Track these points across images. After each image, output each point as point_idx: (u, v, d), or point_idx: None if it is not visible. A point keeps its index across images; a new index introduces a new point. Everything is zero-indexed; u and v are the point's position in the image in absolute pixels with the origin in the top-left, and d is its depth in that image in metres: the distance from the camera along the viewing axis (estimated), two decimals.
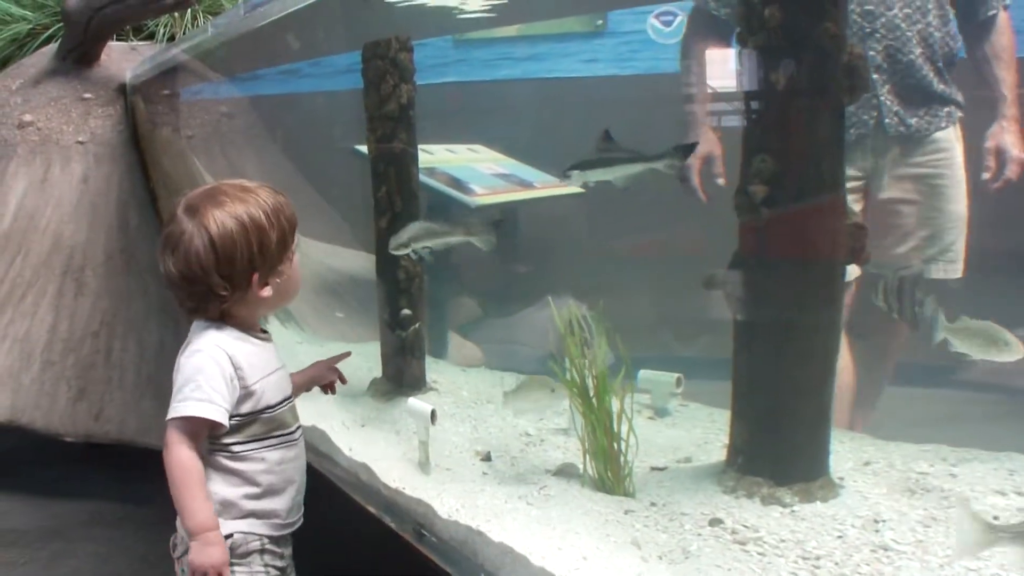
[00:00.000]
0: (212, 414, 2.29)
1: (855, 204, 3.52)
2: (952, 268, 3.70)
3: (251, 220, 2.32)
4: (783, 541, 2.38)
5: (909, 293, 3.09)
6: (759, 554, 2.34)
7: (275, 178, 5.83)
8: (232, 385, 2.34)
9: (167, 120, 6.18)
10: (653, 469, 3.04)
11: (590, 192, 3.21)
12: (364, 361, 4.19)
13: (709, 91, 3.91)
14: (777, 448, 2.69)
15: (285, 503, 2.47)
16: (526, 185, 5.20)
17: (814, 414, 2.68)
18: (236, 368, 2.36)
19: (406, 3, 4.51)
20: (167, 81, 6.02)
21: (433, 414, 3.16)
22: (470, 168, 5.30)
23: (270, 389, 2.43)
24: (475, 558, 2.63)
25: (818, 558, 2.28)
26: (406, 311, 4.01)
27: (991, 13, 3.66)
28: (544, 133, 4.86)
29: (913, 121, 3.67)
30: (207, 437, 2.36)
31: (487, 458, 3.29)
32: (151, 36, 7.17)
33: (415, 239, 3.74)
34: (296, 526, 2.54)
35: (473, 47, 5.64)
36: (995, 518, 2.37)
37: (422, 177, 4.15)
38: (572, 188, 3.32)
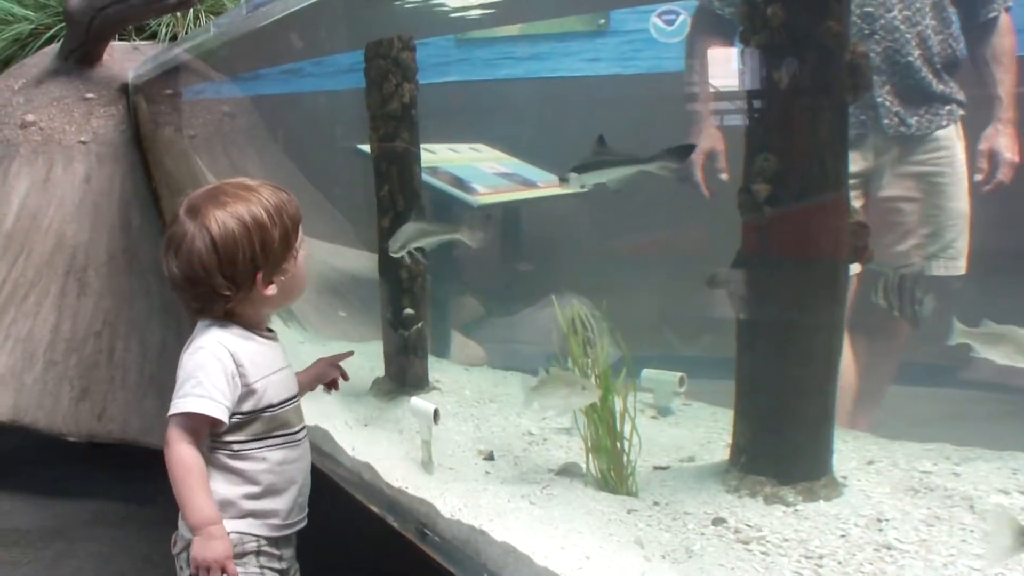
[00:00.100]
0: (212, 411, 2.29)
1: (855, 202, 3.53)
2: (953, 265, 3.71)
3: (253, 219, 2.32)
4: (786, 540, 2.38)
5: (910, 291, 3.08)
6: (762, 553, 2.34)
7: (277, 178, 5.82)
8: (233, 383, 2.34)
9: (169, 120, 6.18)
10: (656, 468, 3.03)
11: (592, 191, 3.21)
12: (367, 360, 4.19)
13: (713, 89, 3.92)
14: (780, 447, 2.69)
15: (285, 504, 2.46)
16: (529, 184, 5.20)
17: (817, 413, 2.68)
18: (238, 365, 2.36)
19: (410, 3, 4.51)
20: (169, 81, 6.02)
21: (436, 413, 3.16)
22: (472, 167, 5.30)
23: (272, 388, 2.43)
24: (478, 557, 2.62)
25: (821, 557, 2.28)
26: (409, 310, 4.01)
27: (991, 15, 3.67)
28: (546, 132, 4.86)
29: (913, 121, 3.68)
30: (208, 435, 2.36)
31: (490, 457, 3.29)
32: (153, 36, 7.19)
33: (411, 240, 3.76)
34: (298, 527, 2.53)
35: (475, 46, 5.64)
36: None
37: (424, 176, 4.15)
38: (573, 188, 3.33)
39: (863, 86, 2.57)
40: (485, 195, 5.08)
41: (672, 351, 4.64)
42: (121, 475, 5.16)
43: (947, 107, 3.72)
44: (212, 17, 6.66)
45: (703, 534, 2.48)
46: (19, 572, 4.32)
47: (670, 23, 4.77)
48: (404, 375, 4.07)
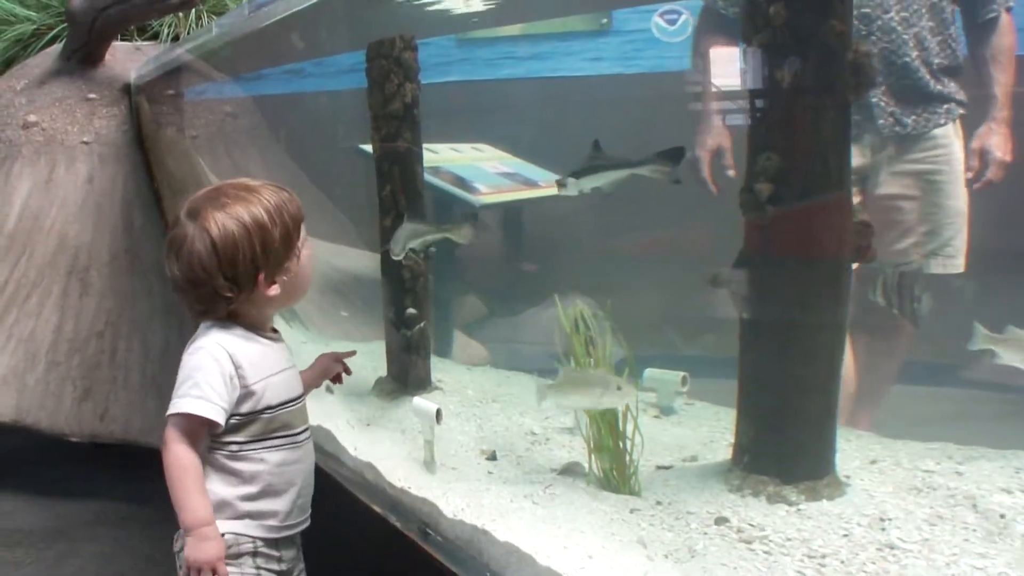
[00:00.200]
0: (207, 412, 2.30)
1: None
2: (951, 263, 3.72)
3: (253, 220, 2.32)
4: (789, 540, 2.38)
5: (909, 289, 3.09)
6: (765, 553, 2.34)
7: (279, 178, 5.81)
8: (231, 384, 2.34)
9: (171, 120, 6.18)
10: (659, 468, 3.03)
11: (591, 192, 3.22)
12: (369, 360, 4.19)
13: (716, 87, 3.93)
14: (783, 446, 2.69)
15: (284, 505, 2.46)
16: (531, 184, 5.20)
17: (820, 412, 2.68)
18: (236, 367, 2.35)
19: (411, 2, 4.51)
20: (171, 81, 6.02)
21: (438, 413, 3.16)
22: (475, 167, 5.30)
23: (272, 389, 2.42)
24: (480, 557, 2.62)
25: (824, 556, 2.28)
26: (411, 310, 4.01)
27: (990, 16, 3.69)
28: (548, 132, 4.85)
29: (910, 120, 3.70)
30: (208, 434, 2.36)
31: (492, 457, 3.29)
32: (155, 36, 7.19)
33: (408, 241, 3.77)
34: (298, 529, 2.53)
35: (477, 46, 5.64)
36: (1002, 516, 2.37)
37: (427, 176, 4.15)
38: (571, 192, 3.34)
39: (866, 85, 2.57)
40: (487, 195, 5.08)
41: (675, 350, 4.64)
42: (123, 475, 5.16)
43: (945, 107, 3.74)
44: (214, 17, 6.66)
45: (706, 533, 2.48)
46: (21, 572, 4.32)
47: (672, 23, 4.76)
48: (406, 375, 4.07)
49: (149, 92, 6.07)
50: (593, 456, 2.92)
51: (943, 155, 3.74)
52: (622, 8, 5.31)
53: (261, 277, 2.34)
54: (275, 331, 2.54)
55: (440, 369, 4.30)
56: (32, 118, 5.90)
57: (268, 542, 2.44)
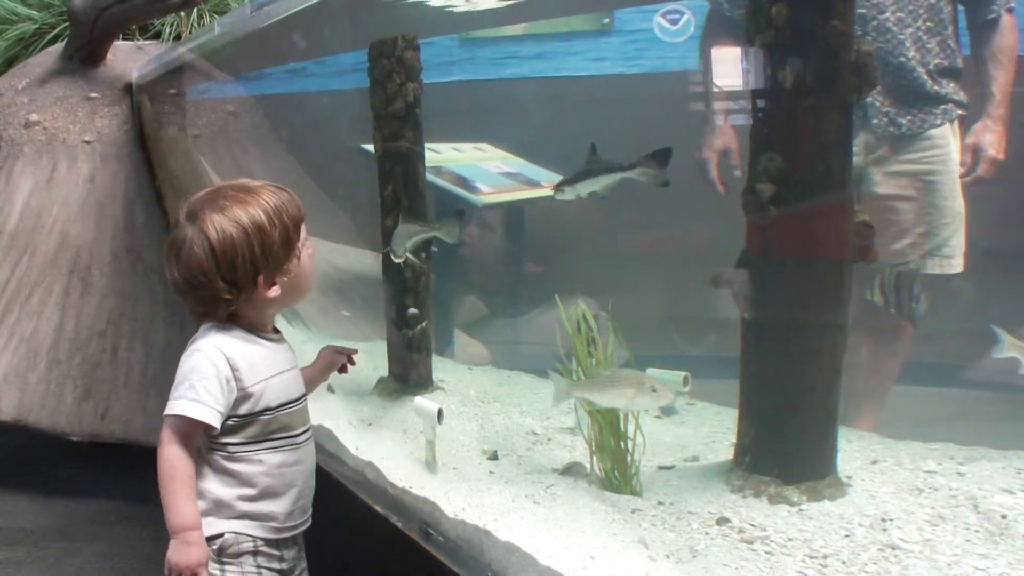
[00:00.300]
0: (202, 415, 2.30)
1: None
2: (948, 264, 3.73)
3: (252, 222, 2.31)
4: (790, 540, 2.38)
5: (907, 289, 3.09)
6: (766, 553, 2.34)
7: (281, 177, 5.83)
8: (228, 387, 2.34)
9: (173, 119, 6.18)
10: (660, 468, 3.04)
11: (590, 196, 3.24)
12: (371, 360, 4.19)
13: (723, 89, 3.94)
14: (784, 447, 2.69)
15: (284, 506, 2.46)
16: (533, 184, 5.20)
17: (821, 413, 2.68)
18: (234, 369, 2.35)
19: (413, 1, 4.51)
20: (173, 80, 6.02)
21: (440, 413, 3.16)
22: (477, 167, 5.30)
23: (271, 391, 2.42)
24: (482, 557, 2.62)
25: (825, 557, 2.28)
26: (413, 310, 4.01)
27: (991, 16, 3.70)
28: (551, 132, 4.85)
29: (904, 120, 3.73)
30: (205, 435, 2.36)
31: (494, 457, 3.29)
32: (157, 35, 7.19)
33: (405, 242, 3.78)
34: (299, 530, 2.53)
35: (479, 46, 5.64)
36: (1003, 517, 2.37)
37: (429, 176, 4.15)
38: (568, 197, 3.36)
39: (868, 85, 2.57)
40: (489, 194, 5.08)
41: (676, 350, 4.64)
42: (124, 475, 5.15)
43: (941, 107, 3.76)
44: (216, 16, 6.66)
45: (707, 534, 2.48)
46: (23, 571, 4.32)
47: (674, 22, 4.76)
48: (408, 374, 4.07)
49: (151, 91, 6.07)
50: (594, 456, 2.92)
51: (939, 156, 3.75)
52: (624, 8, 5.31)
53: (260, 279, 2.34)
54: (277, 331, 2.54)
55: (441, 369, 4.30)
56: (34, 117, 5.90)
57: (269, 542, 2.44)
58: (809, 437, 2.69)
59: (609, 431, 2.87)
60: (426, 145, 4.06)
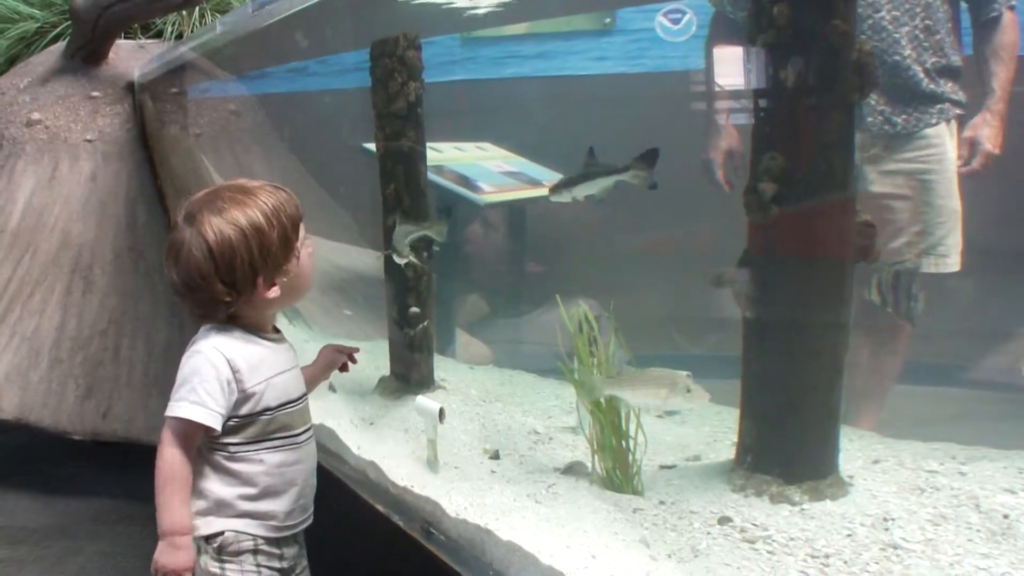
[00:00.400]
0: (203, 418, 2.31)
1: None
2: (944, 263, 3.74)
3: (250, 224, 2.31)
4: (792, 539, 2.38)
5: (903, 288, 3.09)
6: (768, 552, 2.34)
7: (283, 176, 5.84)
8: (228, 388, 2.34)
9: (175, 118, 6.18)
10: (662, 467, 3.04)
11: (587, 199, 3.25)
12: (372, 359, 4.19)
13: (728, 90, 3.96)
14: (786, 446, 2.69)
15: (284, 505, 2.46)
16: (535, 183, 5.20)
17: (823, 412, 2.68)
18: (234, 371, 2.35)
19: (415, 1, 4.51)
20: (175, 79, 6.02)
21: (441, 412, 3.16)
22: (478, 166, 5.30)
23: (271, 391, 2.42)
24: (483, 556, 2.62)
25: (827, 556, 2.28)
26: (414, 309, 4.01)
27: (992, 15, 3.71)
28: (552, 131, 4.85)
29: (900, 119, 3.75)
30: (206, 436, 2.36)
31: (495, 456, 3.29)
32: (159, 34, 7.19)
33: (403, 243, 3.79)
34: (300, 528, 2.54)
35: (481, 45, 5.64)
36: (1005, 516, 2.37)
37: (430, 175, 4.15)
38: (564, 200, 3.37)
39: (870, 84, 2.57)
40: (491, 194, 5.08)
41: (678, 350, 4.65)
42: (125, 473, 5.15)
43: (937, 106, 3.78)
44: (218, 15, 6.67)
45: (709, 533, 2.48)
46: (25, 570, 4.32)
47: (676, 22, 4.77)
48: (409, 374, 4.07)
49: (153, 90, 6.07)
50: (596, 455, 2.92)
51: (935, 155, 3.77)
52: (626, 7, 5.31)
53: (260, 280, 2.34)
54: (277, 331, 2.54)
55: (443, 368, 4.30)
56: (36, 116, 5.90)
57: (269, 540, 2.45)
58: (811, 436, 2.69)
59: (611, 430, 2.87)
60: (428, 144, 4.06)
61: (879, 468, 2.79)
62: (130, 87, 6.11)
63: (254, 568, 2.43)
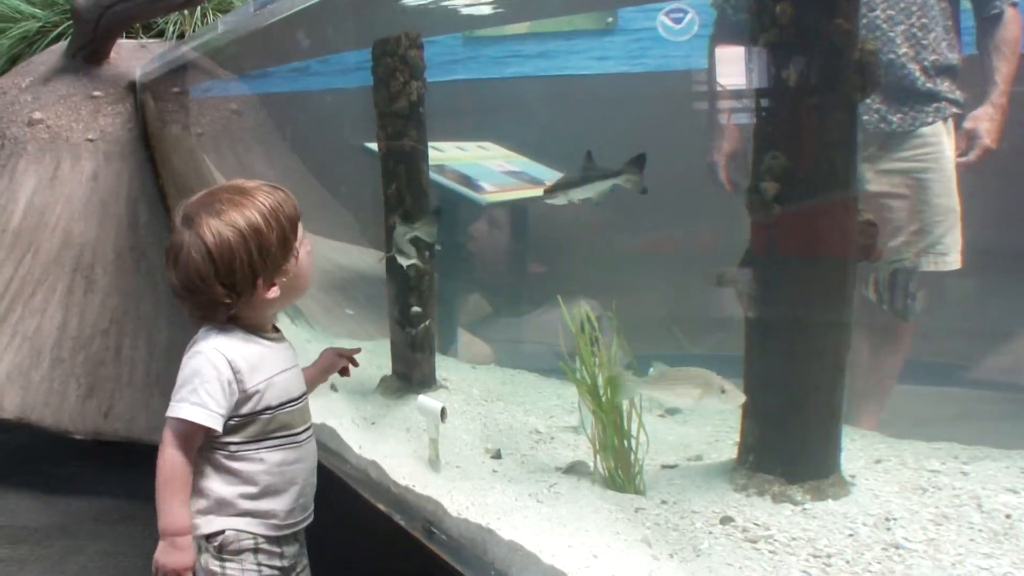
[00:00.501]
0: (204, 420, 2.31)
1: None
2: (942, 261, 3.74)
3: (248, 225, 2.31)
4: (794, 539, 2.38)
5: (901, 286, 3.10)
6: (770, 552, 2.34)
7: (284, 175, 5.84)
8: (230, 389, 2.35)
9: (177, 118, 6.18)
10: (664, 467, 3.03)
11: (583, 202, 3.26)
12: (374, 358, 4.19)
13: (731, 92, 3.97)
14: (788, 445, 2.69)
15: (285, 504, 2.46)
16: (536, 183, 5.19)
17: (825, 411, 2.67)
18: (235, 372, 2.36)
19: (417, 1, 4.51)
20: (177, 79, 6.02)
21: (443, 411, 3.16)
22: (480, 166, 5.30)
23: (272, 390, 2.43)
24: (485, 556, 2.62)
25: (829, 556, 2.28)
26: (416, 308, 4.01)
27: (994, 12, 3.73)
28: (554, 130, 4.85)
29: (895, 118, 3.75)
30: (206, 435, 2.36)
31: (497, 456, 3.28)
32: (160, 34, 7.20)
33: (403, 242, 3.80)
34: (300, 526, 2.54)
35: (483, 44, 5.64)
36: (1007, 516, 2.37)
37: (432, 175, 4.15)
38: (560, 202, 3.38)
39: (872, 84, 2.57)
40: (492, 193, 5.08)
41: (680, 349, 4.64)
42: (127, 473, 5.16)
43: (934, 105, 3.78)
44: (219, 15, 6.67)
45: (711, 533, 2.48)
46: (26, 569, 4.32)
47: (678, 21, 4.77)
48: (411, 373, 4.07)
49: (154, 89, 6.07)
50: (598, 455, 2.92)
51: (931, 153, 3.77)
52: (628, 7, 5.31)
53: (259, 281, 2.34)
54: (277, 330, 2.55)
55: (445, 367, 4.30)
56: (37, 115, 5.90)
57: (270, 539, 2.45)
58: (813, 436, 2.68)
59: (612, 430, 2.87)
60: (429, 143, 4.06)
61: (881, 468, 2.78)
62: (132, 86, 6.11)
63: (254, 567, 2.43)
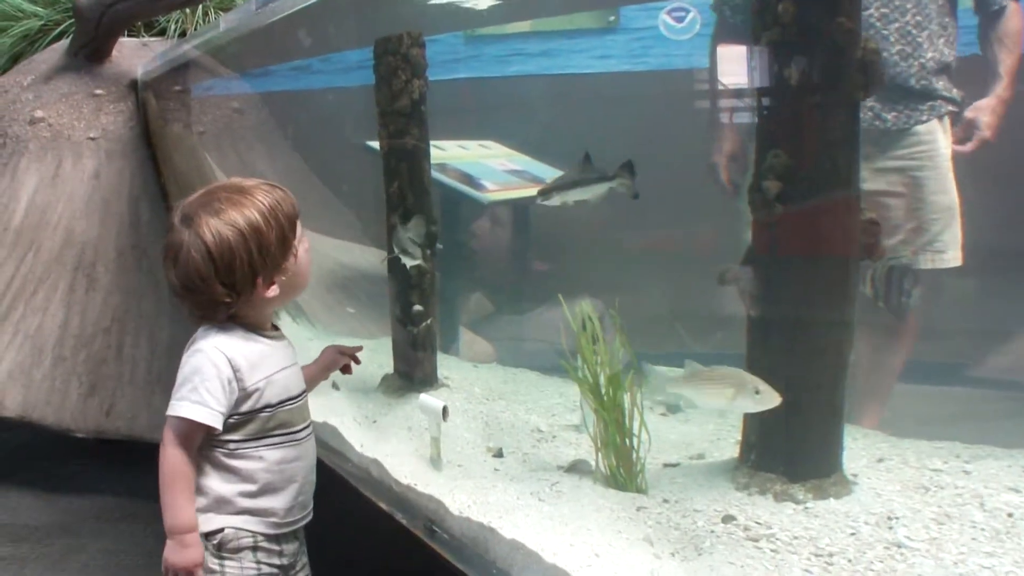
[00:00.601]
0: (205, 418, 2.31)
1: None
2: (940, 259, 3.74)
3: (248, 225, 2.31)
4: (796, 538, 2.37)
5: (897, 284, 3.09)
6: (772, 551, 2.34)
7: (286, 174, 5.84)
8: (230, 387, 2.35)
9: (178, 116, 6.19)
10: (665, 465, 3.03)
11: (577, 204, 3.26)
12: (375, 357, 4.19)
13: (732, 93, 3.97)
14: (790, 444, 2.68)
15: (284, 502, 2.46)
16: (538, 181, 5.19)
17: (827, 410, 2.67)
18: (235, 370, 2.36)
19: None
20: (178, 77, 6.02)
21: (445, 410, 3.16)
22: (482, 164, 5.30)
23: (272, 388, 2.43)
24: (486, 554, 2.62)
25: (831, 555, 2.27)
26: (418, 307, 4.01)
27: (997, 6, 3.73)
28: (556, 129, 4.85)
29: (890, 116, 3.75)
30: (206, 433, 2.36)
31: (499, 454, 3.28)
32: (162, 32, 7.20)
33: (404, 242, 3.80)
34: (299, 524, 2.54)
35: (485, 43, 5.64)
36: (1009, 515, 2.37)
37: (434, 173, 4.14)
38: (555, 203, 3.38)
39: (875, 83, 2.57)
40: (494, 192, 5.08)
41: (682, 347, 4.64)
42: (128, 471, 5.16)
43: (928, 103, 3.77)
44: (221, 13, 6.66)
45: (713, 531, 2.47)
46: (27, 568, 4.33)
47: (680, 20, 4.76)
48: (413, 372, 4.07)
49: (156, 88, 6.07)
50: (600, 453, 2.92)
51: (926, 151, 3.77)
52: (630, 5, 5.31)
53: (259, 280, 2.34)
54: (276, 328, 2.55)
55: (446, 366, 4.30)
56: (39, 114, 5.90)
57: (269, 537, 2.45)
58: (815, 435, 2.68)
59: (614, 428, 2.87)
60: (431, 142, 4.06)
61: (883, 466, 2.78)
62: (133, 85, 6.12)
63: (254, 565, 2.43)
